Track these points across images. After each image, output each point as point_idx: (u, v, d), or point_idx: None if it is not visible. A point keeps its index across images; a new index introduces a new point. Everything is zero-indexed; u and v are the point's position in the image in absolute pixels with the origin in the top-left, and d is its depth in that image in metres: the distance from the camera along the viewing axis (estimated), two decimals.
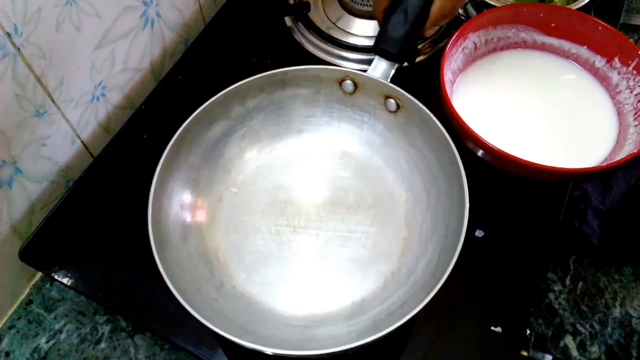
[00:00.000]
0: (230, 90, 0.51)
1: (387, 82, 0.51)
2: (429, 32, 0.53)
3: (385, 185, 0.54)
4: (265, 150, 0.57)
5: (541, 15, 0.58)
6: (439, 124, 0.48)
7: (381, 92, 0.52)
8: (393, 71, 0.52)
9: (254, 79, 0.52)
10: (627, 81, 0.55)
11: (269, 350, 0.39)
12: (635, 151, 0.49)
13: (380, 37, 0.52)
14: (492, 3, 0.62)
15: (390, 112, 0.53)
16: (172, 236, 0.48)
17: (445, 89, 0.52)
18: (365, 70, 0.52)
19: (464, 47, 0.57)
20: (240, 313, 0.47)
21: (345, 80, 0.53)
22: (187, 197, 0.51)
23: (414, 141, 0.52)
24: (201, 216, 0.52)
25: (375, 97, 0.53)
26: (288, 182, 0.55)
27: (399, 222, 0.52)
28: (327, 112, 0.56)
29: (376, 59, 0.53)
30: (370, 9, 0.65)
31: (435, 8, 0.50)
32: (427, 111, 0.49)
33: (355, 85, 0.53)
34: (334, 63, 0.64)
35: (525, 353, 0.49)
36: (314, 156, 0.56)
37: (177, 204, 0.50)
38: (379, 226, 0.52)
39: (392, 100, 0.51)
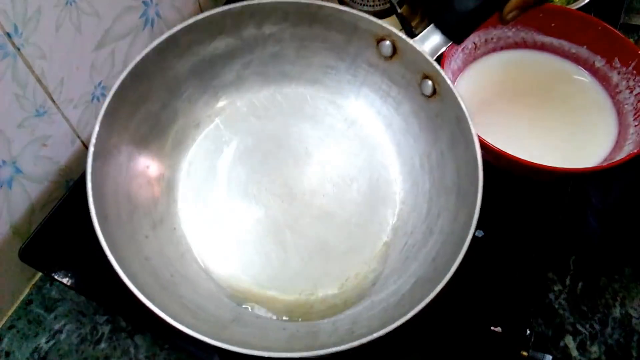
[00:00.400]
0: (249, 4, 0.42)
1: (432, 59, 0.43)
2: (511, 16, 0.46)
3: (385, 175, 0.47)
4: (267, 88, 0.48)
5: (541, 15, 0.58)
6: (473, 129, 0.40)
7: (421, 69, 0.44)
8: (443, 49, 0.44)
9: (282, 1, 0.43)
10: (627, 81, 0.55)
11: (171, 321, 0.34)
12: (635, 151, 0.49)
13: (444, 6, 0.44)
14: None
15: (423, 95, 0.45)
16: (120, 148, 0.40)
17: None
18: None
19: (464, 47, 0.57)
20: (168, 262, 0.40)
21: (384, 40, 0.44)
22: (158, 106, 0.44)
23: (438, 138, 0.45)
24: (171, 137, 0.45)
25: (412, 72, 0.44)
26: (280, 134, 0.48)
27: (385, 223, 0.46)
28: (352, 69, 0.47)
29: (430, 28, 0.44)
30: (370, 8, 0.64)
31: None
32: (465, 110, 0.41)
33: (395, 49, 0.44)
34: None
35: (525, 353, 0.49)
36: (320, 114, 0.48)
37: (142, 112, 0.42)
38: (361, 218, 0.46)
39: (429, 83, 0.43)
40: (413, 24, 0.66)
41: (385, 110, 0.48)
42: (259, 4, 0.43)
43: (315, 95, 0.49)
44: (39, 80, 0.51)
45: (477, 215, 0.38)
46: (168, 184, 0.45)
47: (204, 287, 0.41)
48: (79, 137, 0.59)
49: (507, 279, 0.52)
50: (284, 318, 0.41)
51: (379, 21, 0.43)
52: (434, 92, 0.44)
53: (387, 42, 0.44)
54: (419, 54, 0.43)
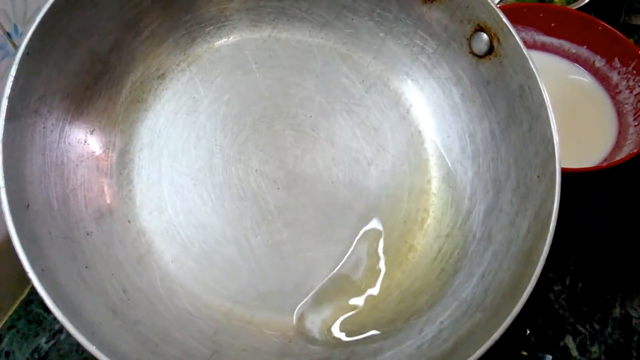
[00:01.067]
0: None
1: (495, 4, 0.32)
2: None
3: (414, 157, 0.35)
4: (261, 32, 0.36)
5: (541, 15, 0.58)
6: (550, 109, 0.30)
7: (475, 17, 0.32)
8: None
9: None
10: (627, 81, 0.55)
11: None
12: (635, 151, 0.49)
13: None
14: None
15: (473, 54, 0.34)
16: (51, 104, 0.28)
17: None
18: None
19: None
20: (120, 270, 0.29)
21: None
22: (109, 44, 0.31)
23: (490, 113, 0.34)
24: (125, 90, 0.33)
25: (461, 22, 0.33)
26: (277, 96, 0.35)
27: (411, 220, 0.33)
28: (376, 12, 0.35)
29: None
30: None
31: None
32: (537, 77, 0.30)
33: None
34: None
35: (525, 353, 0.49)
36: (329, 72, 0.36)
37: (84, 51, 0.30)
38: (380, 213, 0.34)
39: (485, 37, 0.33)
40: None
41: (415, 72, 0.36)
42: None
43: (324, 45, 0.36)
44: None
45: (554, 224, 0.27)
46: (120, 159, 0.32)
47: (171, 308, 0.29)
48: None
49: None
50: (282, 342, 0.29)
51: None
52: (490, 50, 0.33)
53: None
54: None
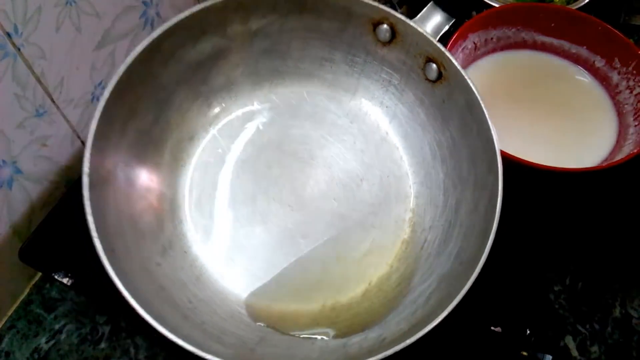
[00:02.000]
0: None
1: (435, 40, 0.40)
2: None
3: (396, 169, 0.45)
4: (261, 89, 0.45)
5: (541, 15, 0.58)
6: (486, 113, 0.38)
7: (424, 52, 0.41)
8: (446, 28, 0.43)
9: None
10: (627, 81, 0.55)
11: (201, 353, 0.32)
12: (635, 151, 0.49)
13: None
14: (492, 3, 0.62)
15: (428, 80, 0.42)
16: (116, 173, 0.37)
17: None
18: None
19: (464, 47, 0.57)
20: (185, 287, 0.38)
21: (382, 24, 0.41)
22: (149, 121, 0.41)
23: (448, 125, 0.42)
24: (167, 153, 0.42)
25: (414, 56, 0.42)
26: (281, 137, 0.45)
27: (401, 220, 0.43)
28: (348, 59, 0.45)
29: (429, 6, 0.43)
30: None
31: None
32: (476, 92, 0.39)
33: (394, 33, 0.42)
34: None
35: (525, 353, 0.49)
36: (320, 111, 0.46)
37: (133, 130, 0.39)
38: (376, 218, 0.43)
39: (434, 66, 0.41)
40: None
41: (387, 100, 0.46)
42: None
43: (312, 91, 0.46)
44: (39, 80, 0.51)
45: (500, 205, 0.36)
46: (171, 204, 0.42)
47: (224, 310, 0.39)
48: (79, 137, 0.59)
49: (507, 279, 0.52)
50: (311, 331, 0.39)
51: (375, 3, 0.41)
52: (440, 76, 0.41)
53: (385, 26, 0.41)
54: (420, 35, 0.40)
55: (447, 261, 0.39)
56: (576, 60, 0.59)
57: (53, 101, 0.53)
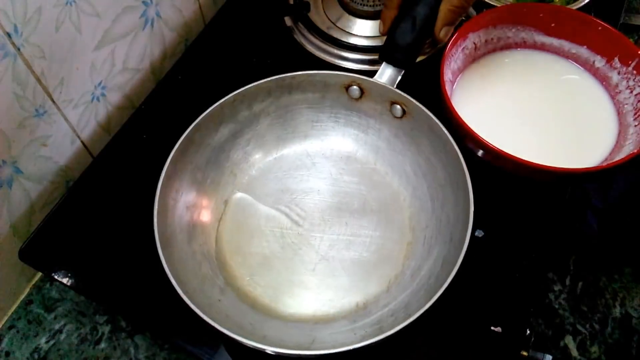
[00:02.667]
0: (239, 92, 0.52)
1: (394, 88, 0.52)
2: (443, 34, 0.52)
3: (390, 190, 0.55)
4: (271, 154, 0.57)
5: (541, 15, 0.58)
6: (445, 131, 0.49)
7: (387, 98, 0.53)
8: (399, 77, 0.53)
9: (263, 82, 0.52)
10: (627, 81, 0.55)
11: (271, 350, 0.40)
12: (635, 151, 0.49)
13: (388, 45, 0.53)
14: (492, 3, 0.62)
15: (396, 117, 0.53)
16: (177, 236, 0.48)
17: (445, 89, 0.52)
18: (368, 72, 0.53)
19: (464, 47, 0.57)
20: (245, 314, 0.47)
21: (351, 85, 0.54)
22: (192, 197, 0.52)
23: (420, 147, 0.53)
24: (206, 217, 0.53)
25: (381, 103, 0.53)
26: (293, 186, 0.56)
27: (403, 227, 0.53)
28: (332, 117, 0.57)
29: (383, 65, 0.53)
30: (370, 8, 0.65)
31: (443, 6, 0.50)
32: (434, 118, 0.50)
33: (362, 90, 0.54)
34: (334, 63, 0.64)
35: (525, 353, 0.49)
36: (320, 161, 0.57)
37: (183, 205, 0.50)
38: (382, 230, 0.53)
39: (398, 106, 0.52)
40: None
41: (370, 140, 0.57)
42: (246, 89, 0.52)
43: (310, 147, 0.58)
44: (39, 80, 0.51)
45: (472, 196, 0.45)
46: (217, 256, 0.52)
47: (279, 325, 0.48)
48: (78, 137, 0.59)
49: (507, 279, 0.52)
50: (351, 326, 0.47)
51: (343, 73, 0.53)
52: (404, 112, 0.52)
53: (354, 87, 0.54)
54: (382, 87, 0.52)
55: (443, 247, 0.48)
56: (576, 60, 0.59)
57: (53, 101, 0.53)
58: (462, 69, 0.59)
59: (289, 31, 0.69)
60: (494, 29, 0.58)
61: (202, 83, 0.64)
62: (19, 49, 0.47)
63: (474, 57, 0.59)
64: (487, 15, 0.57)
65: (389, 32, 0.53)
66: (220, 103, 0.51)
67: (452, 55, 0.55)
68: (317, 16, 0.68)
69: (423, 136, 0.52)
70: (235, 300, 0.48)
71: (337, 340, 0.45)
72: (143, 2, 0.60)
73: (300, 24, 0.69)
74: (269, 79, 0.52)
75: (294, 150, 0.58)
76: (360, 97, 0.54)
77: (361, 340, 0.39)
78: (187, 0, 0.68)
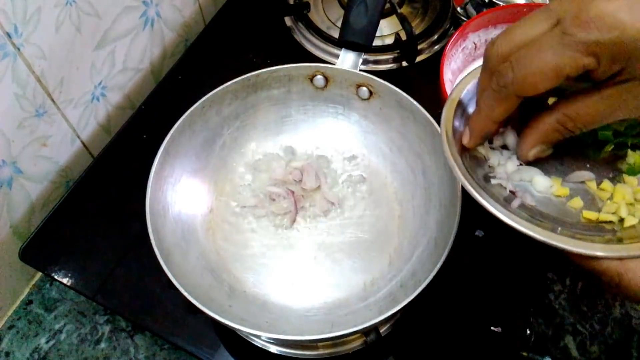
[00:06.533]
0: (206, 97, 0.51)
1: (357, 71, 0.53)
2: (534, 153, 0.38)
3: (370, 170, 0.55)
4: (246, 156, 0.57)
5: None
6: (414, 101, 0.49)
7: (352, 82, 0.53)
8: (360, 60, 0.53)
9: (228, 85, 0.52)
10: None
11: (298, 338, 0.41)
12: None
13: (343, 30, 0.53)
14: (498, 2, 0.62)
15: (364, 99, 0.54)
16: (174, 252, 0.47)
17: (445, 89, 0.52)
18: (372, 72, 0.53)
19: (464, 47, 0.57)
20: (258, 315, 0.47)
21: (315, 75, 0.54)
22: (179, 210, 0.51)
23: (391, 124, 0.53)
24: (196, 229, 0.52)
25: (347, 88, 0.54)
26: (275, 183, 0.55)
27: (391, 202, 0.53)
28: (301, 109, 0.57)
29: (342, 51, 0.54)
30: None
31: (548, 118, 0.37)
32: (401, 92, 0.50)
33: (326, 79, 0.54)
34: (333, 63, 0.64)
35: (525, 353, 0.49)
36: (296, 155, 0.57)
37: (172, 219, 0.49)
38: (372, 209, 0.53)
39: (364, 88, 0.53)
40: (413, 23, 0.66)
41: (341, 126, 0.57)
42: (213, 94, 0.52)
43: (284, 142, 0.57)
44: (39, 80, 0.51)
45: (449, 153, 0.42)
46: (216, 265, 0.51)
47: (295, 318, 0.48)
48: (79, 137, 0.59)
49: (507, 279, 0.52)
50: (365, 303, 0.48)
51: (305, 64, 0.53)
52: (370, 93, 0.53)
53: (318, 76, 0.54)
54: (345, 72, 0.53)
55: (435, 212, 0.49)
56: None
57: (53, 101, 0.53)
58: (462, 69, 0.59)
59: (288, 31, 0.69)
60: (494, 28, 0.58)
61: (202, 83, 0.64)
62: (19, 49, 0.47)
63: (474, 57, 0.59)
64: (487, 15, 0.57)
65: (344, 18, 0.54)
66: (191, 111, 0.51)
67: (452, 55, 0.55)
68: (316, 16, 0.69)
69: (393, 112, 0.52)
70: (246, 304, 0.48)
71: (356, 320, 0.44)
72: (143, 2, 0.60)
73: (300, 23, 0.69)
74: (232, 81, 0.52)
75: (268, 148, 0.57)
76: (326, 85, 0.54)
77: (379, 314, 0.40)
78: (187, 0, 0.68)
